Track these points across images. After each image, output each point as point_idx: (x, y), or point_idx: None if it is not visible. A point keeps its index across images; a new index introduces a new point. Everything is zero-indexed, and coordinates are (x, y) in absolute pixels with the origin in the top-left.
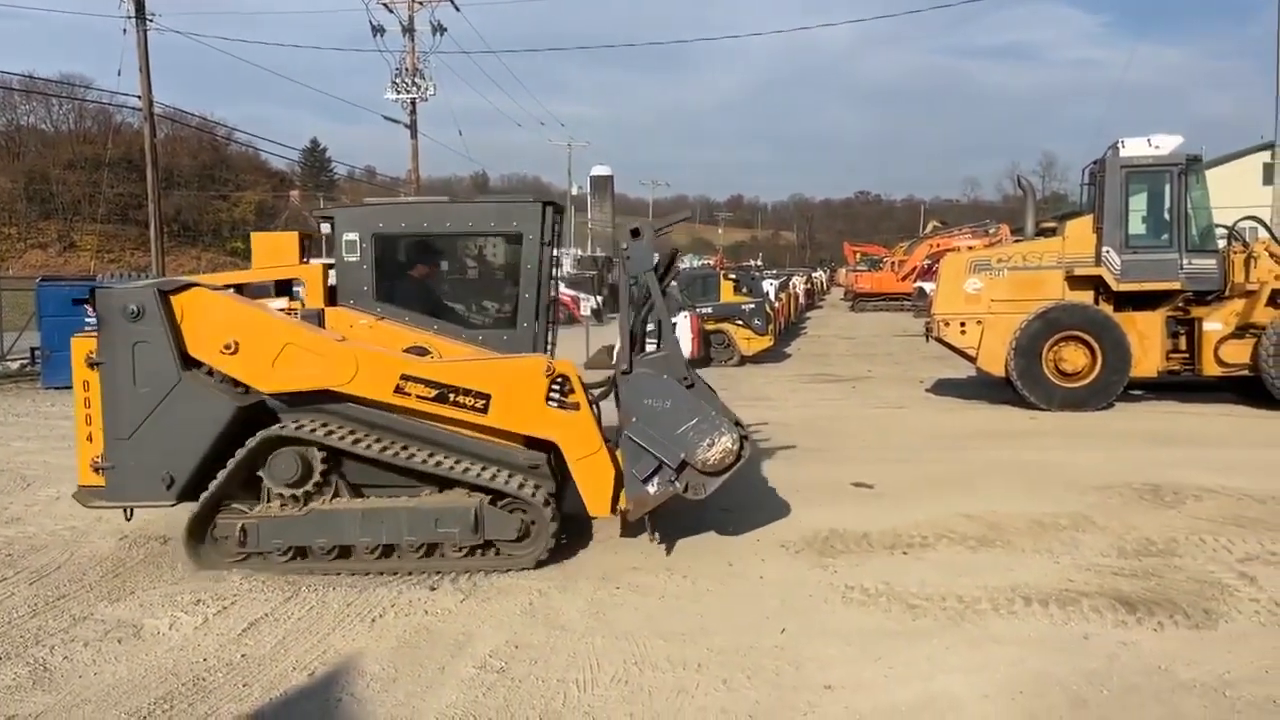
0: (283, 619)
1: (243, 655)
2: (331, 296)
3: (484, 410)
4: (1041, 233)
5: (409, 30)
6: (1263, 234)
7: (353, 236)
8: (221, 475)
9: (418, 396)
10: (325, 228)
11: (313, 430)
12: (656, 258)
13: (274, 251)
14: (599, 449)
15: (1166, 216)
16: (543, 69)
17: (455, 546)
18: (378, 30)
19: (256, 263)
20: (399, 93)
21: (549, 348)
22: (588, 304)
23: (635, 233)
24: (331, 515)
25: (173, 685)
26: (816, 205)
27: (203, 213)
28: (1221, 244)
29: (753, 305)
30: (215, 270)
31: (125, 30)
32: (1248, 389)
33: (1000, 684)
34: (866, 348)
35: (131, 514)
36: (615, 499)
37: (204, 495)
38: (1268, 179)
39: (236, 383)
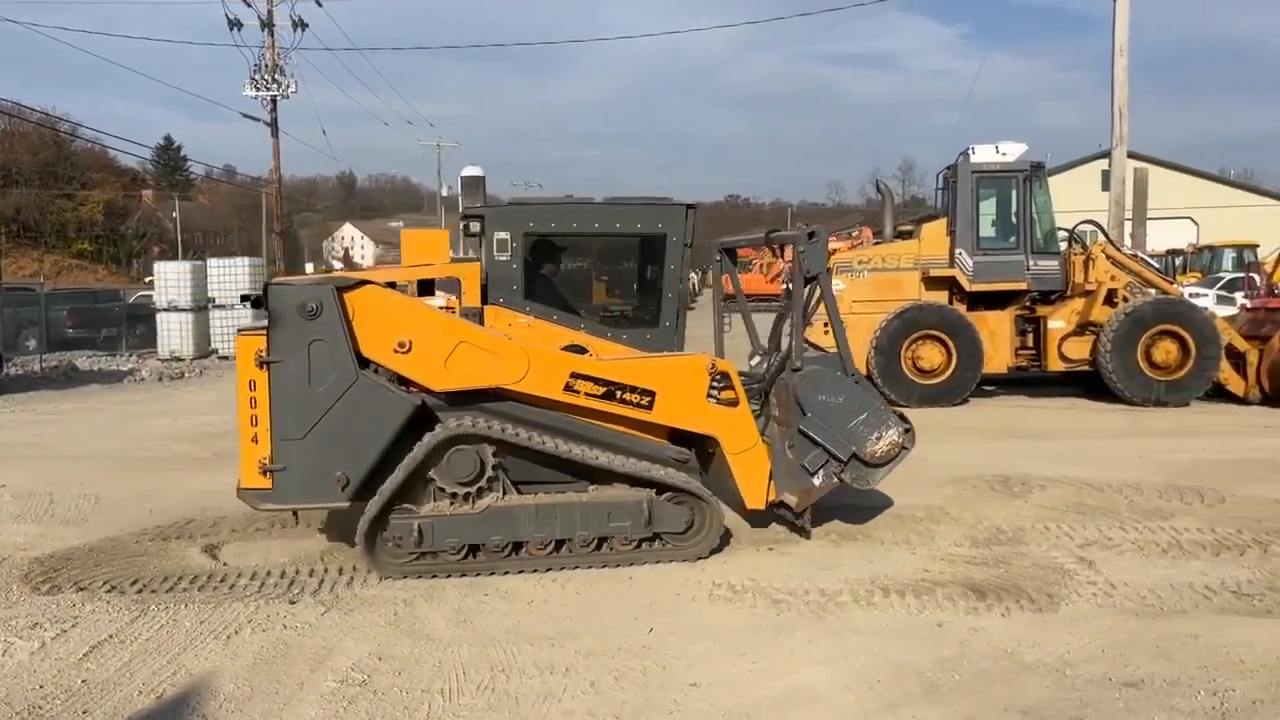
0: (129, 640)
1: (83, 681)
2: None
3: (649, 407)
4: (900, 235)
5: (268, 25)
6: (1100, 237)
7: (504, 235)
8: (399, 473)
9: (586, 394)
10: (474, 226)
11: (491, 428)
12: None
13: (424, 249)
14: (756, 443)
15: (1013, 220)
16: (411, 68)
17: (624, 539)
18: (235, 24)
19: (406, 260)
20: (258, 90)
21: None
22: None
23: (812, 235)
24: (506, 512)
25: (5, 715)
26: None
27: (45, 212)
28: (1063, 246)
29: None
30: (59, 274)
31: None
32: (1089, 383)
33: (859, 674)
34: (732, 347)
35: (298, 517)
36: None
37: (379, 495)
38: (1105, 185)
39: (402, 381)
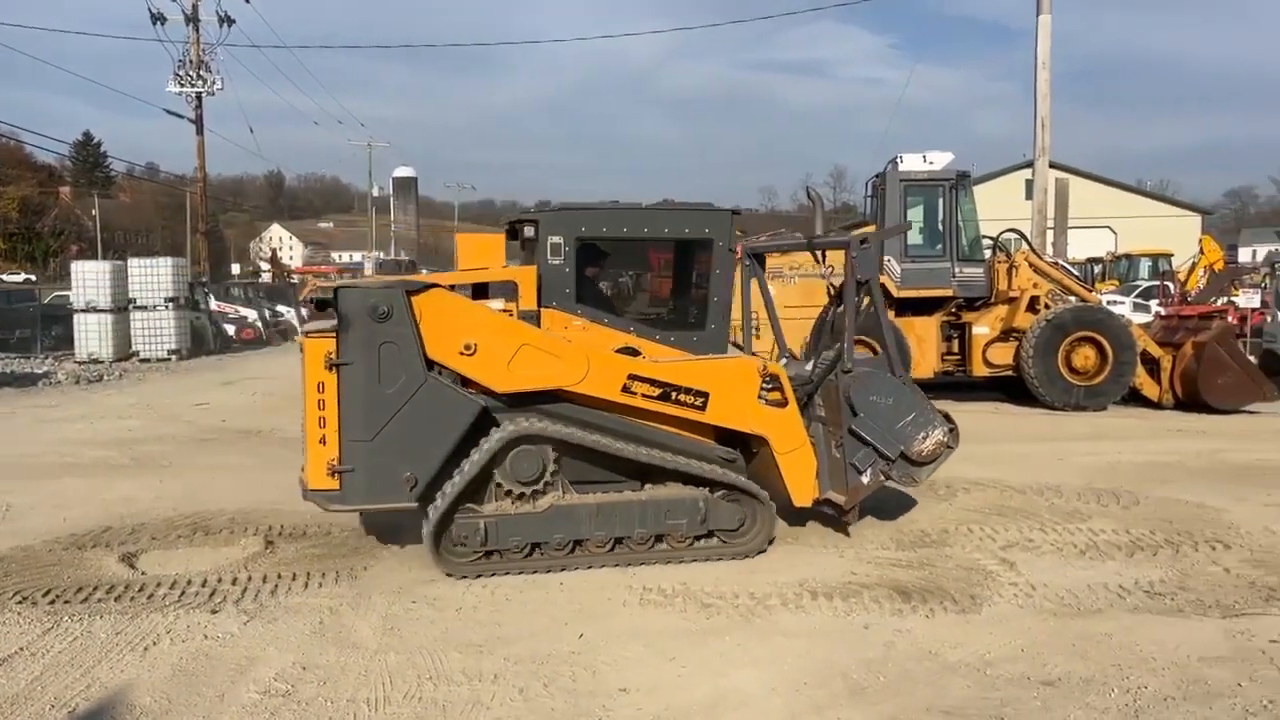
0: (41, 653)
1: None
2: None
3: (702, 408)
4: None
5: (192, 20)
6: (1024, 245)
7: (557, 240)
8: (467, 472)
9: (643, 395)
10: (528, 230)
11: (554, 429)
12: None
13: (479, 253)
14: (804, 443)
15: (940, 228)
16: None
17: (679, 536)
18: (158, 19)
19: (461, 264)
20: (182, 86)
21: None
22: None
23: (864, 241)
24: (568, 511)
25: None
26: None
27: None
28: (988, 254)
29: None
30: None
31: None
32: (1012, 388)
33: (787, 676)
34: None
35: (363, 517)
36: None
37: (447, 495)
38: (1029, 194)
39: (466, 382)
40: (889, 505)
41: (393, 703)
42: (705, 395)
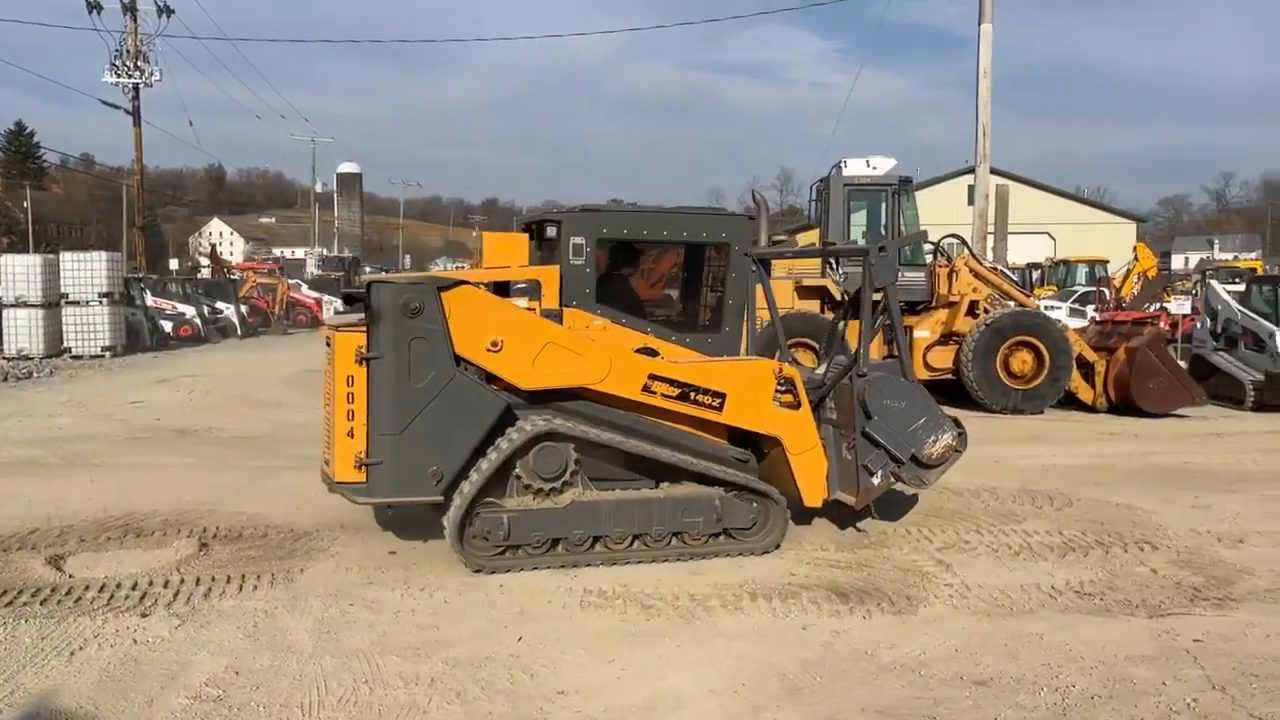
0: None
1: None
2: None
3: (719, 408)
4: (775, 244)
5: (130, 9)
6: (964, 250)
7: (579, 240)
8: (486, 468)
9: (662, 395)
10: (550, 230)
11: (575, 427)
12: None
13: (505, 251)
14: (816, 444)
15: (883, 232)
16: (285, 61)
17: (695, 534)
18: (94, 7)
19: (487, 262)
20: (119, 76)
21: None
22: (333, 306)
23: (882, 249)
24: (589, 507)
25: None
26: None
27: None
28: (929, 259)
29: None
30: None
31: None
32: (951, 391)
33: (725, 678)
34: None
35: (391, 510)
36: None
37: (469, 489)
38: (971, 200)
39: (491, 378)
40: (828, 508)
41: (327, 707)
42: (723, 396)
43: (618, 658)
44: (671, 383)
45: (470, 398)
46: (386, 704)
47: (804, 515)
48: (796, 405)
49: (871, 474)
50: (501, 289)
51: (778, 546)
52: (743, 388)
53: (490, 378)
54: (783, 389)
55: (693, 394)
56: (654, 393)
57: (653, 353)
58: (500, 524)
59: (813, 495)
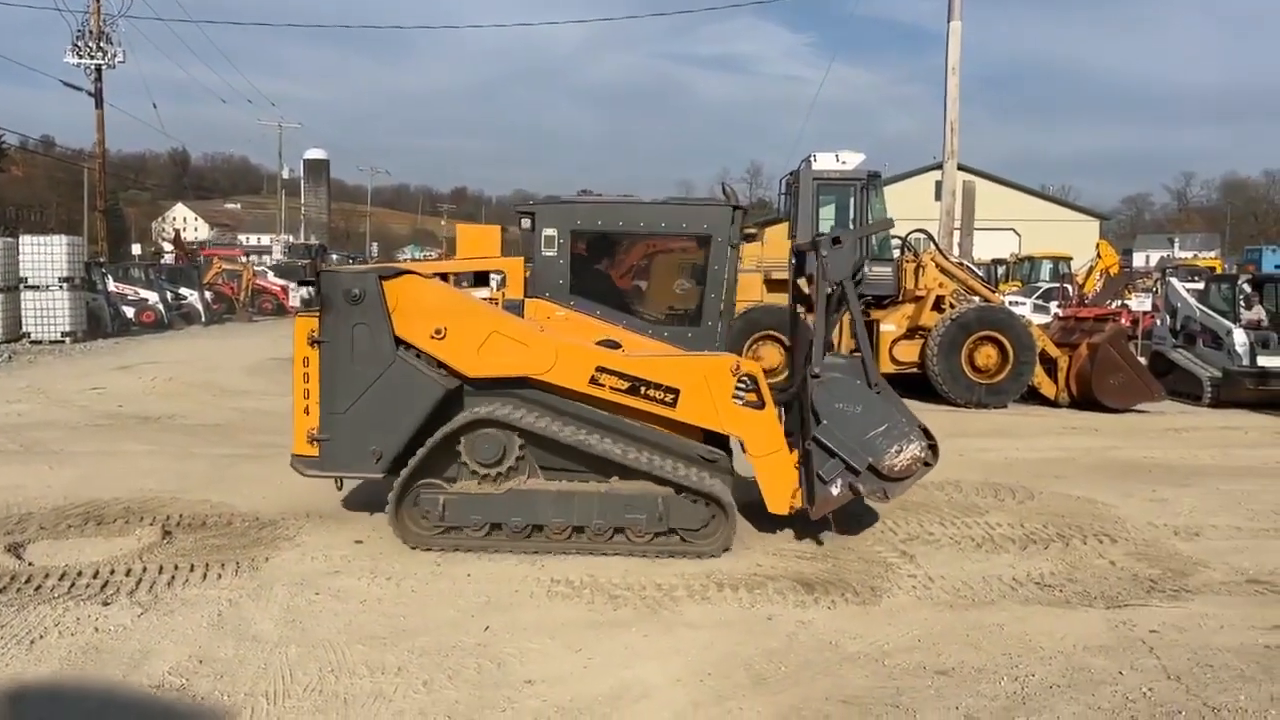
0: None
1: None
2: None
3: (673, 404)
4: (745, 238)
5: None
6: (931, 246)
7: (551, 232)
8: (421, 452)
9: (610, 388)
10: (525, 223)
11: (513, 414)
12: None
13: (477, 243)
14: (781, 448)
15: (851, 226)
16: (253, 45)
17: (639, 531)
18: None
19: (461, 253)
20: (81, 57)
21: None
22: (299, 294)
23: (837, 240)
24: (528, 495)
25: None
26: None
27: None
28: (896, 253)
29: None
30: None
31: None
32: (916, 385)
33: (691, 667)
34: None
35: (341, 484)
36: (793, 498)
37: (406, 469)
38: (938, 195)
39: (440, 365)
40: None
41: (292, 696)
42: (676, 392)
43: (585, 647)
44: (621, 376)
45: (409, 382)
46: (352, 693)
47: None
48: (760, 405)
49: (826, 483)
50: (482, 279)
51: (726, 549)
52: (698, 384)
53: (441, 364)
54: (743, 386)
55: (643, 388)
56: (603, 385)
57: (615, 345)
58: (437, 504)
59: (776, 501)
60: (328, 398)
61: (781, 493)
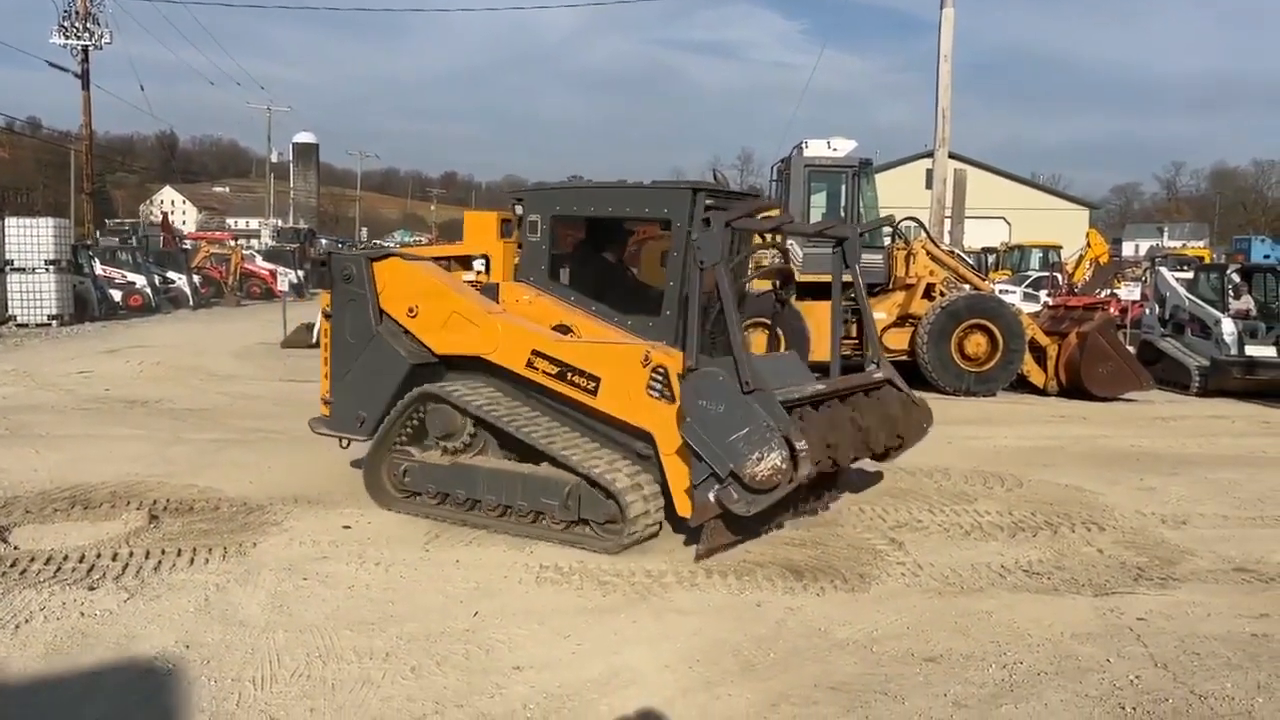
0: None
1: None
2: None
3: (594, 393)
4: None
5: None
6: (922, 233)
7: (535, 217)
8: (386, 420)
9: (543, 372)
10: (517, 208)
11: (453, 391)
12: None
13: (479, 229)
14: None
15: (842, 214)
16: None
17: (555, 518)
18: None
19: (466, 238)
20: (68, 38)
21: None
22: (286, 278)
23: (706, 221)
24: (468, 470)
25: None
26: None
27: None
28: (887, 241)
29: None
30: None
31: None
32: (906, 372)
33: (680, 653)
34: None
35: (348, 444)
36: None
37: (377, 435)
38: (929, 183)
39: (420, 342)
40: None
41: (280, 681)
42: (598, 380)
43: (573, 633)
44: (551, 360)
45: (384, 355)
46: (340, 678)
47: None
48: (672, 400)
49: (695, 487)
50: (468, 261)
51: (622, 549)
52: (617, 374)
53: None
54: (656, 379)
55: (569, 374)
56: (536, 369)
57: (567, 330)
58: (400, 470)
59: (680, 502)
60: (333, 365)
61: (683, 495)
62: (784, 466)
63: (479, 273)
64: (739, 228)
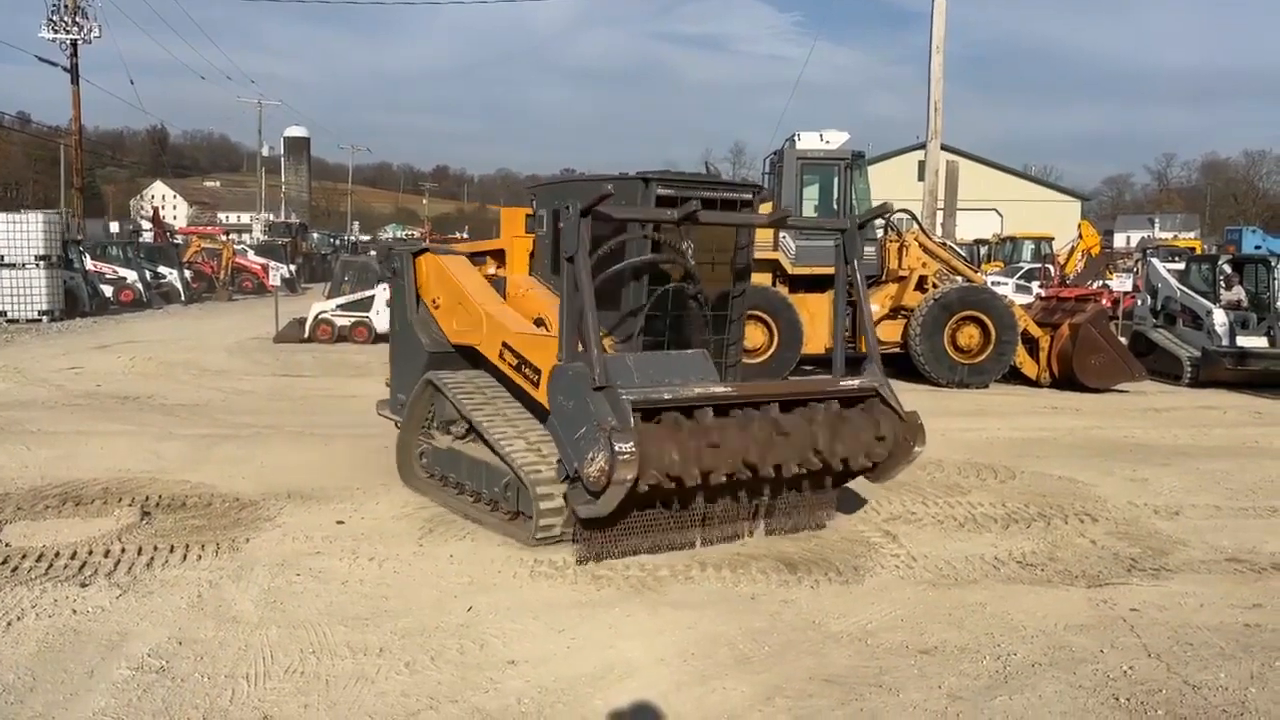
0: None
1: None
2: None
3: (537, 385)
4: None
5: None
6: (914, 225)
7: (544, 212)
8: (407, 407)
9: (509, 364)
10: (535, 203)
11: (445, 380)
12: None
13: (510, 225)
14: None
15: (835, 206)
16: (232, 20)
17: (505, 509)
18: None
19: (502, 234)
20: (56, 32)
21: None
22: (278, 273)
23: (565, 209)
24: (456, 454)
25: None
26: (523, 180)
27: None
28: (880, 233)
29: None
30: None
31: None
32: (899, 364)
33: (675, 647)
34: None
35: (399, 425)
36: None
37: (404, 419)
38: (921, 175)
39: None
40: None
41: (273, 677)
42: (539, 372)
43: (568, 627)
44: (513, 352)
45: (413, 343)
46: (334, 674)
47: None
48: None
49: (559, 481)
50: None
51: (537, 543)
52: (549, 366)
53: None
54: None
55: (523, 366)
56: (506, 360)
57: (541, 323)
58: (418, 450)
59: None
60: (390, 352)
61: None
62: (605, 467)
63: (498, 266)
64: (598, 217)
